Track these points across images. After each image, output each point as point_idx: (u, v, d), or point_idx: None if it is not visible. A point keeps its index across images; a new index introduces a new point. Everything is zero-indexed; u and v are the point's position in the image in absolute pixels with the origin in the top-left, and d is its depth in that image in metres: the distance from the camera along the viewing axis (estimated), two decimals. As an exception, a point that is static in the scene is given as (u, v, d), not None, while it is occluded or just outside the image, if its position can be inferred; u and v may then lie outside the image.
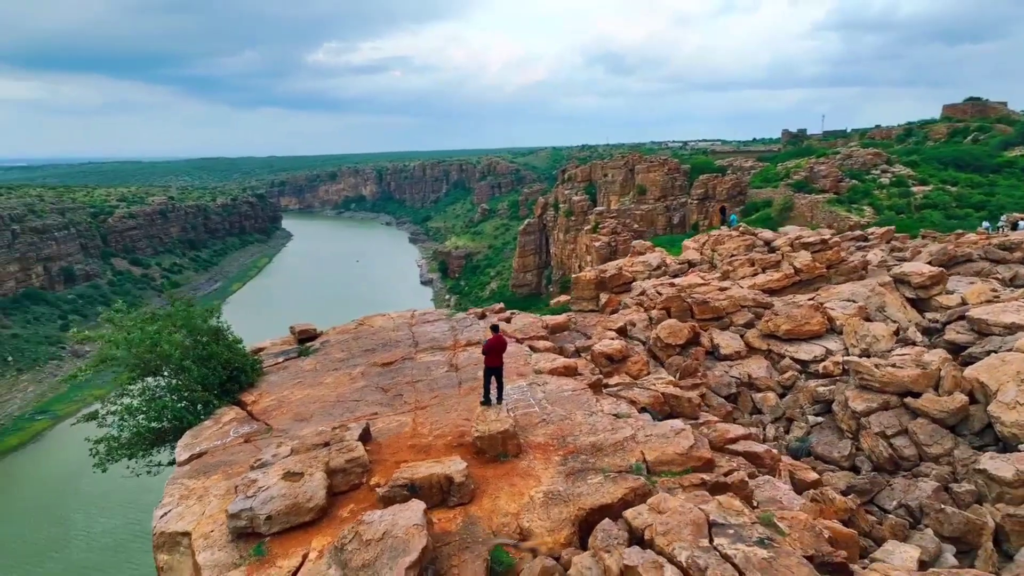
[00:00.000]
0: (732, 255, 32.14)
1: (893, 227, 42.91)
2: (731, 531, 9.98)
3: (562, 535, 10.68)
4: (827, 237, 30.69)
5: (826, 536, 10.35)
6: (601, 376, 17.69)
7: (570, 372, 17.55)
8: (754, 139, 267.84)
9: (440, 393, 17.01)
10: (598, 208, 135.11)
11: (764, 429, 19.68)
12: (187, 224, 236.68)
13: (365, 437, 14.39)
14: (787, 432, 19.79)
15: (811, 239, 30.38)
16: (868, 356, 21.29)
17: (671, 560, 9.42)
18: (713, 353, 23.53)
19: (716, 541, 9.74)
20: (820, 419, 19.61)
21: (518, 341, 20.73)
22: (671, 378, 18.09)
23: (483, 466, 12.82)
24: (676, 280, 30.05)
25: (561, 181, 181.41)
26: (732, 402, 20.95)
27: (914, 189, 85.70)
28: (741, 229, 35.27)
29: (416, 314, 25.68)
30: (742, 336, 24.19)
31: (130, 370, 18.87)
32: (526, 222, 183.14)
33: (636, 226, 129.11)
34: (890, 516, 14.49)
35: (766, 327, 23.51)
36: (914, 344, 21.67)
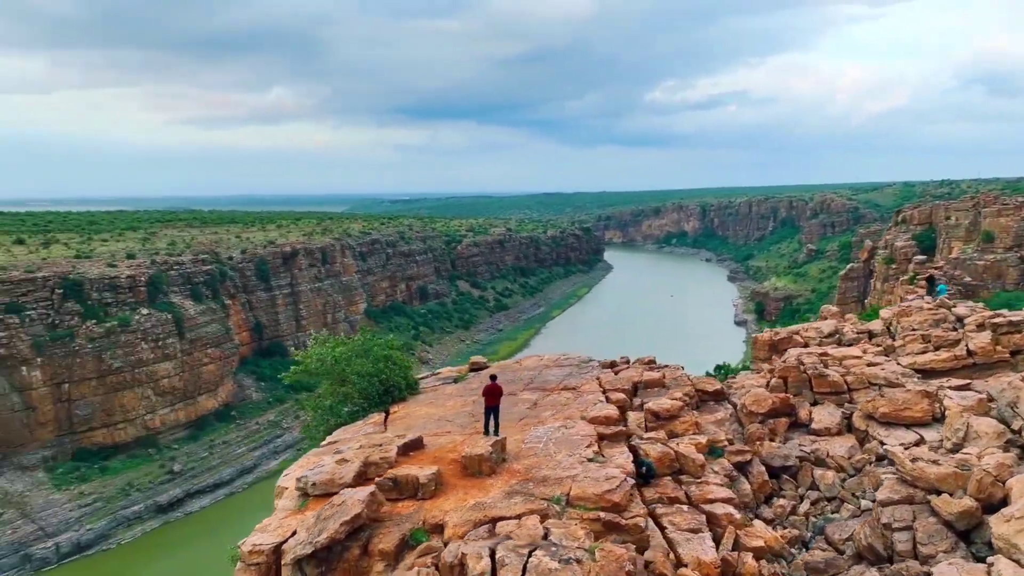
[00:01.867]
0: (914, 329, 30.46)
1: None
2: (554, 549, 13.34)
3: (461, 530, 14.92)
4: (1021, 319, 27.56)
5: (627, 570, 13.00)
6: (626, 429, 20.60)
7: (609, 422, 20.84)
8: None
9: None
10: (919, 257, 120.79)
11: (800, 504, 20.35)
12: (520, 253, 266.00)
13: (417, 445, 19.87)
14: (835, 512, 20.17)
15: (999, 320, 27.67)
16: (958, 451, 20.39)
17: (491, 555, 13.22)
18: (807, 426, 24.02)
19: (535, 552, 13.21)
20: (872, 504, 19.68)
21: (604, 392, 24.32)
22: (700, 440, 20.13)
23: (462, 478, 17.45)
24: (831, 350, 29.86)
25: (894, 223, 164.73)
26: (792, 475, 21.74)
27: None
28: (938, 302, 32.64)
29: (559, 358, 30.33)
30: (849, 415, 24.12)
31: (327, 379, 27.12)
32: (849, 266, 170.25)
33: (968, 279, 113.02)
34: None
35: (866, 407, 23.26)
36: (1021, 447, 19.95)
